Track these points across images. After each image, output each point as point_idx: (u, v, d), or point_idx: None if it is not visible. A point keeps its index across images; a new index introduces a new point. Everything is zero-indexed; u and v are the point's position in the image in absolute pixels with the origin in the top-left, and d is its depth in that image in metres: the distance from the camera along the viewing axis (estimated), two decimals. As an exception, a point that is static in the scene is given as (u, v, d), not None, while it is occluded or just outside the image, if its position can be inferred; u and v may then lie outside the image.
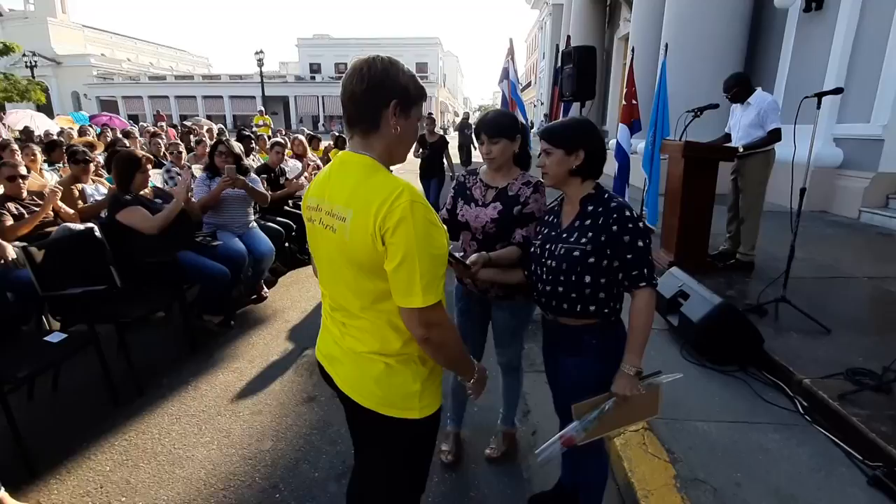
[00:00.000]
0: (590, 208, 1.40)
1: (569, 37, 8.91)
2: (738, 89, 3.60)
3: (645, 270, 1.34)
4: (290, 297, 3.92)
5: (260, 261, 3.55)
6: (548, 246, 1.44)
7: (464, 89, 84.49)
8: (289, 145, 6.01)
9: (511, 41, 9.08)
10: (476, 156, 11.06)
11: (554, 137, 1.40)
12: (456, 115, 68.95)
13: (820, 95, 2.64)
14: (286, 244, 4.42)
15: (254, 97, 40.95)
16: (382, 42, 45.56)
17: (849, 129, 6.01)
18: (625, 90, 5.15)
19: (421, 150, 6.53)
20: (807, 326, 2.78)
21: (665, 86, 4.71)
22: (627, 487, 1.84)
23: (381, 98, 0.98)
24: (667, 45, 4.85)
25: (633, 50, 5.24)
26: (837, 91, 2.89)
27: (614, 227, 1.33)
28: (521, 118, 9.24)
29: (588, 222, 1.38)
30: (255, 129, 11.32)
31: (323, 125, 39.80)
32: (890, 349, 2.50)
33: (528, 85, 46.59)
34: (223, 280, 3.02)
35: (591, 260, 1.35)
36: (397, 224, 0.89)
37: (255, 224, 3.79)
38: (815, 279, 3.58)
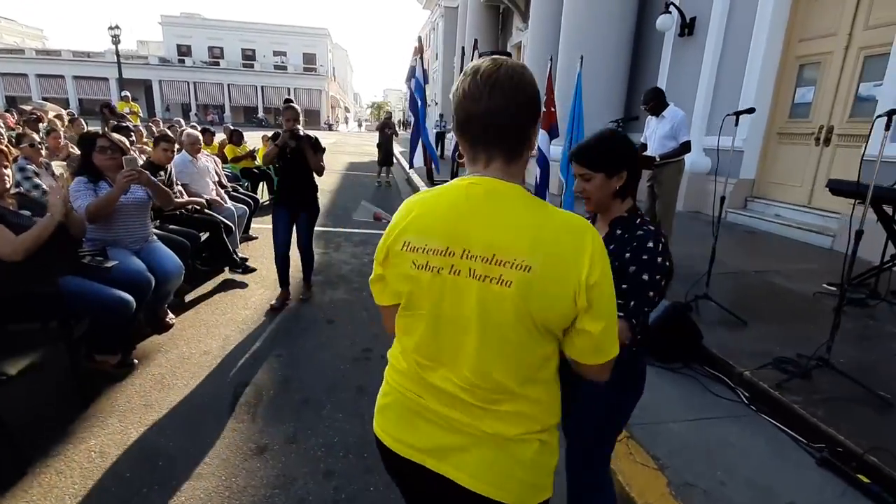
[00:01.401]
0: (618, 232, 1.31)
1: (476, 40, 9.05)
2: (655, 103, 3.92)
3: (631, 304, 1.20)
4: (203, 320, 3.33)
5: (165, 282, 2.92)
6: None
7: (354, 84, 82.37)
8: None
9: (420, 39, 8.97)
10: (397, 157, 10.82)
11: (593, 161, 1.28)
12: (347, 110, 67.01)
13: (738, 114, 2.95)
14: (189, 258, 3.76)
15: (106, 79, 35.38)
16: (267, 28, 42.26)
17: (715, 141, 6.99)
18: (544, 97, 5.34)
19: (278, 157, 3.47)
20: (727, 320, 3.11)
21: (580, 95, 4.97)
22: (627, 502, 1.84)
23: (534, 113, 0.81)
24: (582, 57, 5.11)
25: (551, 59, 5.43)
26: (750, 111, 3.26)
27: (627, 255, 1.25)
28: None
29: (613, 246, 1.28)
30: (125, 114, 9.62)
31: (196, 115, 35.72)
32: (794, 336, 2.89)
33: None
34: (124, 311, 2.41)
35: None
36: (602, 274, 0.77)
37: (154, 237, 3.14)
38: (716, 275, 4.05)
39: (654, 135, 4.04)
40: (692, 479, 1.91)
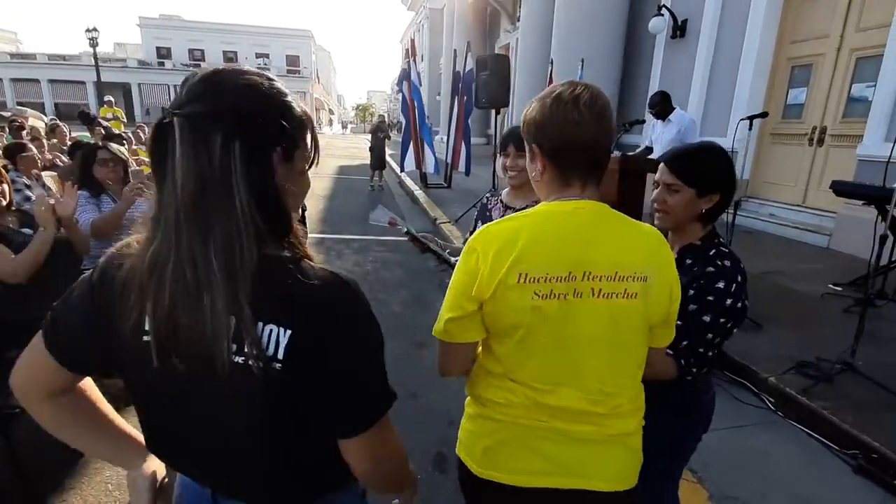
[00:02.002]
0: (688, 261, 1.17)
1: (469, 43, 9.02)
2: (661, 107, 3.93)
3: (683, 343, 1.07)
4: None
5: (171, 297, 2.82)
6: None
7: (337, 86, 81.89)
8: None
9: (412, 42, 8.91)
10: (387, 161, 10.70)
11: (688, 172, 1.14)
12: (331, 112, 66.54)
13: (751, 119, 2.96)
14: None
15: (83, 83, 34.48)
16: (249, 30, 41.70)
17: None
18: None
19: None
20: (743, 324, 3.11)
21: (582, 98, 4.96)
22: (671, 518, 1.80)
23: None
24: (583, 60, 5.12)
25: (552, 62, 5.42)
26: (764, 115, 3.28)
27: (691, 291, 1.12)
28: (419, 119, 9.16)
29: (684, 278, 1.18)
30: (102, 121, 9.35)
31: (177, 119, 35.00)
32: (811, 339, 2.91)
33: (405, 85, 46.96)
34: (135, 331, 2.30)
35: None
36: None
37: (158, 251, 3.02)
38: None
39: (660, 138, 4.04)
40: (732, 491, 1.89)
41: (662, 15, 7.17)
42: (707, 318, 1.10)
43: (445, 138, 9.82)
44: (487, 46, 16.07)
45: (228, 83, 0.63)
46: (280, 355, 0.61)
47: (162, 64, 38.57)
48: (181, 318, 0.59)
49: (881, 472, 1.92)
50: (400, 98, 10.34)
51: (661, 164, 1.21)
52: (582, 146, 0.84)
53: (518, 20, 12.97)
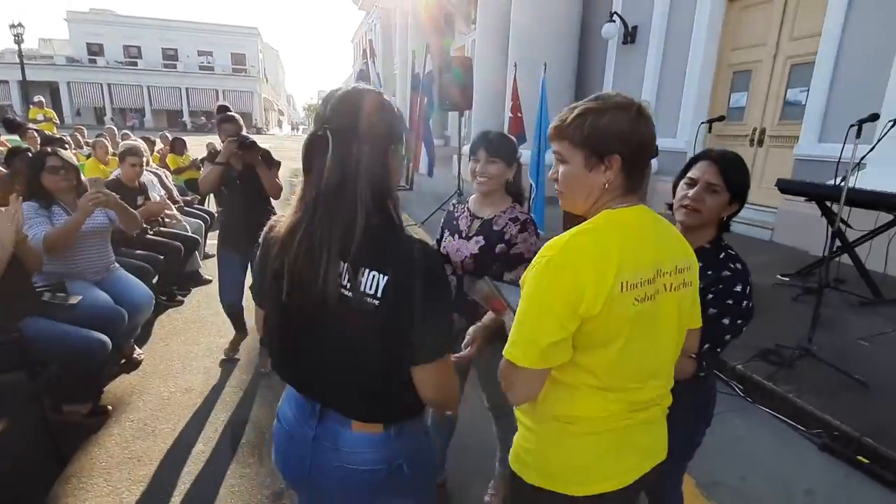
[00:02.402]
0: (700, 265, 1.19)
1: (427, 44, 9.01)
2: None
3: (704, 346, 1.14)
4: (176, 353, 3.03)
5: (134, 314, 2.62)
6: None
7: (286, 86, 79.52)
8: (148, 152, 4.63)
9: (371, 42, 8.79)
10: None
11: (733, 176, 1.18)
12: (281, 113, 64.49)
13: (710, 122, 3.14)
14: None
15: (6, 82, 31.66)
16: (191, 27, 39.55)
17: (661, 142, 7.43)
18: (509, 102, 5.41)
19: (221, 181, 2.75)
20: (707, 315, 3.30)
21: (545, 100, 5.09)
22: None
23: None
24: (545, 64, 5.23)
25: (515, 65, 5.51)
26: (721, 118, 3.48)
27: (710, 296, 1.17)
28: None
29: (708, 272, 1.21)
30: (30, 126, 8.60)
31: (112, 119, 32.81)
32: (769, 327, 3.11)
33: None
34: (99, 353, 2.12)
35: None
36: None
37: (116, 265, 2.80)
38: (684, 271, 4.30)
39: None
40: (715, 477, 1.99)
41: (614, 21, 7.47)
42: (727, 321, 1.16)
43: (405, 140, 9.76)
44: (442, 48, 16.12)
45: (361, 102, 0.85)
46: (378, 294, 0.83)
47: (93, 61, 35.98)
48: (305, 266, 0.84)
49: (843, 447, 2.09)
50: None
51: (705, 163, 1.21)
52: (650, 157, 0.90)
53: (474, 22, 13.11)
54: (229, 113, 2.72)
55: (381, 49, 22.05)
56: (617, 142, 0.84)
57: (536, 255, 0.86)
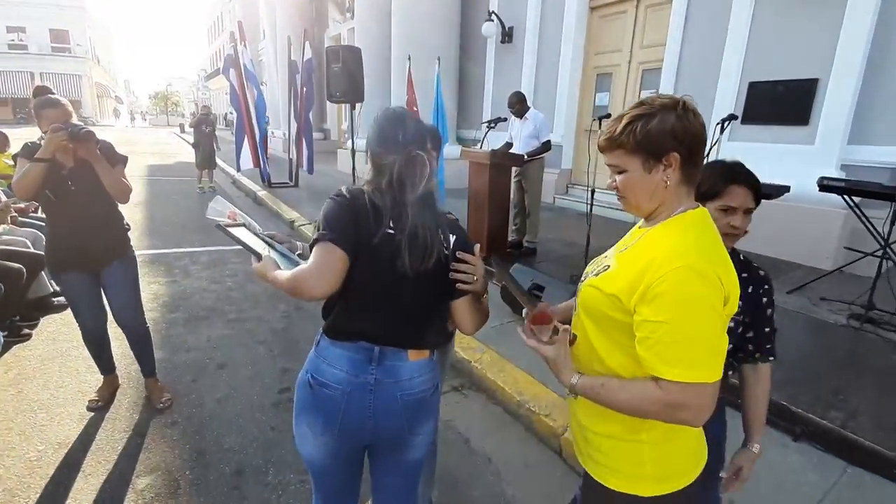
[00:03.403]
0: (743, 275, 1.22)
1: (305, 30, 8.45)
2: (520, 106, 4.30)
3: (775, 343, 1.27)
4: (37, 400, 2.40)
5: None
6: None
7: (123, 69, 68.40)
8: None
9: (240, 24, 7.96)
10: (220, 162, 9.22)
11: (759, 195, 1.20)
12: (119, 101, 55.43)
13: (600, 119, 3.44)
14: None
15: None
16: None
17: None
18: (405, 97, 5.33)
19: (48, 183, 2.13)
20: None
21: (440, 95, 5.13)
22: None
23: None
24: (439, 58, 5.25)
25: (409, 58, 5.43)
26: (607, 116, 3.81)
27: (764, 298, 1.24)
28: (254, 113, 8.29)
29: (749, 289, 1.24)
30: None
31: None
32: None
33: (217, 72, 42.15)
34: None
35: (740, 331, 1.24)
36: None
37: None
38: (576, 255, 4.71)
39: (518, 135, 4.43)
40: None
41: (493, 20, 7.81)
42: (774, 316, 1.28)
43: (286, 133, 9.09)
44: (317, 36, 15.32)
45: (424, 125, 1.24)
46: (450, 248, 1.18)
47: None
48: (419, 230, 1.12)
49: (790, 424, 2.28)
50: (227, 87, 9.18)
51: (741, 189, 1.20)
52: (705, 148, 0.91)
53: (349, 10, 12.67)
54: (52, 95, 2.14)
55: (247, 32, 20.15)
56: (672, 140, 0.87)
57: (662, 263, 0.82)
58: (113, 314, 2.34)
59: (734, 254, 1.26)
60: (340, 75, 5.50)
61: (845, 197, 3.45)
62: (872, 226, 3.36)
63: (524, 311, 1.05)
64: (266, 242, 1.28)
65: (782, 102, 4.72)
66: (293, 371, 2.84)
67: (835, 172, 4.32)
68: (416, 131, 1.17)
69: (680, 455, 0.97)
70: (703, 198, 1.17)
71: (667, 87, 5.95)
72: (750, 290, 1.23)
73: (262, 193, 8.34)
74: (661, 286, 0.81)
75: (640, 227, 1.02)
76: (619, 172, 0.93)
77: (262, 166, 8.70)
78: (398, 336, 1.16)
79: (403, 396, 1.16)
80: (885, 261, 3.23)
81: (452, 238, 1.19)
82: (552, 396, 2.49)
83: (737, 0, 5.00)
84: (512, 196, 4.61)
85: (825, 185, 3.45)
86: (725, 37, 5.14)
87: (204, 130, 8.78)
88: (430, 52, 7.92)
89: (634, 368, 0.90)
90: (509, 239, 4.75)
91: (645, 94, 6.60)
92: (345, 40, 14.13)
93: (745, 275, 1.21)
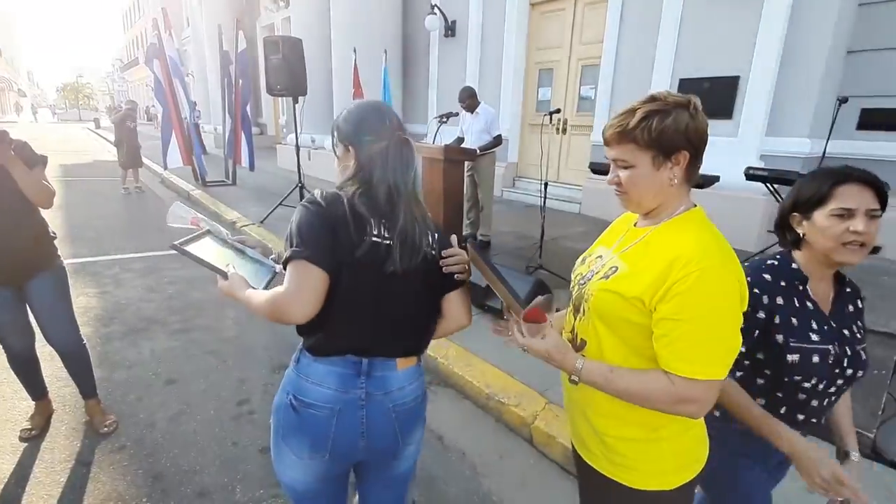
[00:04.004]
0: (847, 290, 1.13)
1: (238, 20, 7.97)
2: (471, 101, 4.31)
3: None
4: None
5: None
6: (842, 349, 1.05)
7: (27, 61, 61.35)
8: None
9: (164, 11, 7.36)
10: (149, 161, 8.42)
11: (885, 195, 1.01)
12: (21, 94, 49.64)
13: (551, 114, 3.54)
14: None
15: None
16: None
17: (485, 130, 8.16)
18: (352, 90, 5.18)
19: None
20: (561, 284, 3.77)
21: (388, 88, 5.04)
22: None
23: None
24: (385, 51, 5.15)
25: (355, 50, 5.27)
26: (557, 111, 3.92)
27: (862, 314, 1.13)
28: (185, 104, 7.75)
29: (850, 307, 1.11)
30: None
31: None
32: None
33: (135, 62, 39.16)
34: None
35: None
36: None
37: None
38: (530, 247, 4.83)
39: (470, 129, 4.45)
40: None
41: (435, 14, 7.77)
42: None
43: (217, 128, 8.57)
44: (248, 25, 14.52)
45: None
46: (434, 245, 1.13)
47: None
48: (410, 227, 1.07)
49: None
50: (148, 79, 8.47)
51: (855, 187, 1.00)
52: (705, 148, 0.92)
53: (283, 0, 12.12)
54: None
55: (161, 19, 18.68)
56: (684, 139, 0.87)
57: (688, 262, 0.82)
58: (43, 333, 2.10)
59: (841, 277, 1.12)
60: (281, 67, 5.23)
61: (768, 185, 3.78)
62: (791, 210, 3.71)
63: (503, 305, 1.03)
64: (236, 249, 1.19)
65: (709, 98, 5.05)
66: (251, 381, 2.70)
67: (756, 162, 4.73)
68: (397, 118, 1.12)
69: (695, 443, 0.99)
70: (807, 207, 1.05)
71: (605, 83, 6.21)
72: (854, 304, 1.12)
73: (196, 193, 7.82)
74: (684, 285, 0.81)
75: (636, 226, 1.02)
76: (625, 167, 0.92)
77: (198, 163, 8.14)
78: (386, 346, 1.09)
79: (395, 408, 1.11)
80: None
81: (435, 235, 1.14)
82: (520, 387, 2.54)
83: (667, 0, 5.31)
84: (465, 190, 4.64)
85: (751, 175, 3.77)
86: (658, 35, 5.45)
87: (128, 126, 8.06)
88: (373, 45, 7.78)
89: (635, 362, 0.92)
90: (464, 233, 4.79)
91: (585, 90, 6.89)
92: (279, 30, 13.51)
93: (847, 289, 1.13)
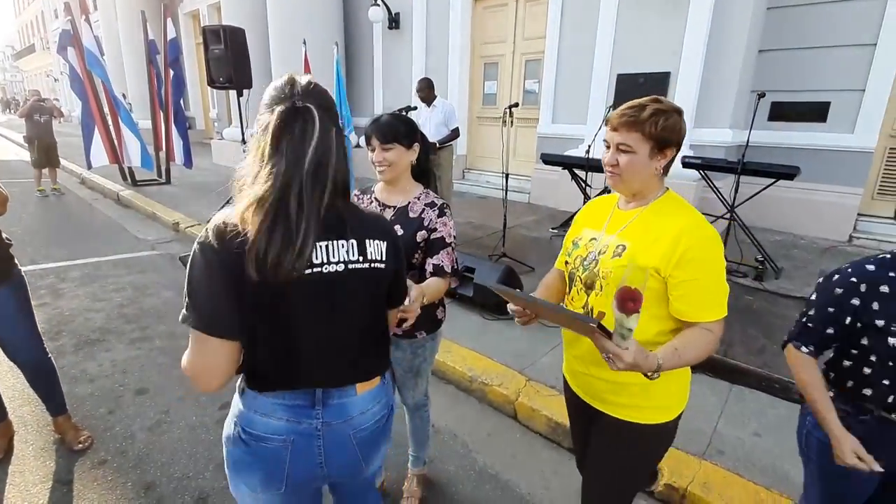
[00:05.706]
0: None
1: (164, 5, 7.41)
2: (428, 92, 4.38)
3: None
4: None
5: None
6: None
7: None
8: None
9: (81, -5, 6.66)
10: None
11: None
12: None
13: (510, 107, 3.68)
14: None
15: None
16: None
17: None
18: (303, 84, 5.05)
19: None
20: (523, 270, 3.97)
21: (341, 80, 4.97)
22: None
23: None
24: (336, 44, 5.06)
25: (304, 42, 5.12)
26: (515, 105, 4.07)
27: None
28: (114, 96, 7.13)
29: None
30: None
31: None
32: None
33: (29, 50, 35.09)
34: None
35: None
36: None
37: None
38: (489, 237, 5.01)
39: (428, 122, 4.52)
40: (682, 445, 2.10)
41: (378, 5, 7.69)
42: None
43: (151, 123, 7.97)
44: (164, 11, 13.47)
45: (319, 87, 0.92)
46: (383, 258, 0.98)
47: None
48: (310, 248, 0.86)
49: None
50: (65, 72, 7.66)
51: None
52: None
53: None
54: None
55: (61, 3, 16.82)
56: (676, 138, 1.07)
57: (691, 233, 1.04)
58: (3, 349, 1.94)
59: None
60: (223, 59, 4.99)
61: (701, 171, 4.19)
62: (721, 194, 4.15)
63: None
64: None
65: (644, 92, 5.40)
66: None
67: (687, 151, 5.20)
68: (311, 91, 0.90)
69: (686, 380, 1.20)
70: None
71: (549, 77, 6.50)
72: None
73: (125, 194, 7.25)
74: (693, 251, 1.03)
75: (622, 209, 1.20)
76: (626, 152, 1.09)
77: (125, 160, 7.50)
78: (341, 374, 0.98)
79: (357, 434, 1.00)
80: (731, 222, 4.02)
81: (382, 246, 0.98)
82: (500, 367, 2.68)
83: (604, -1, 5.65)
84: (424, 183, 4.68)
85: (687, 163, 4.16)
86: (596, 33, 5.78)
87: (38, 121, 7.27)
88: (317, 36, 7.55)
89: (654, 326, 1.10)
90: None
91: (529, 84, 7.15)
92: (205, 18, 12.69)
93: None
